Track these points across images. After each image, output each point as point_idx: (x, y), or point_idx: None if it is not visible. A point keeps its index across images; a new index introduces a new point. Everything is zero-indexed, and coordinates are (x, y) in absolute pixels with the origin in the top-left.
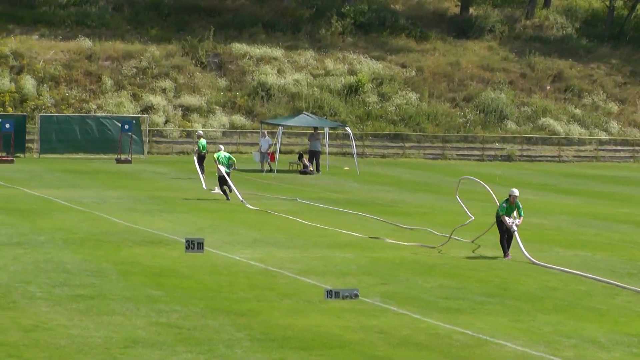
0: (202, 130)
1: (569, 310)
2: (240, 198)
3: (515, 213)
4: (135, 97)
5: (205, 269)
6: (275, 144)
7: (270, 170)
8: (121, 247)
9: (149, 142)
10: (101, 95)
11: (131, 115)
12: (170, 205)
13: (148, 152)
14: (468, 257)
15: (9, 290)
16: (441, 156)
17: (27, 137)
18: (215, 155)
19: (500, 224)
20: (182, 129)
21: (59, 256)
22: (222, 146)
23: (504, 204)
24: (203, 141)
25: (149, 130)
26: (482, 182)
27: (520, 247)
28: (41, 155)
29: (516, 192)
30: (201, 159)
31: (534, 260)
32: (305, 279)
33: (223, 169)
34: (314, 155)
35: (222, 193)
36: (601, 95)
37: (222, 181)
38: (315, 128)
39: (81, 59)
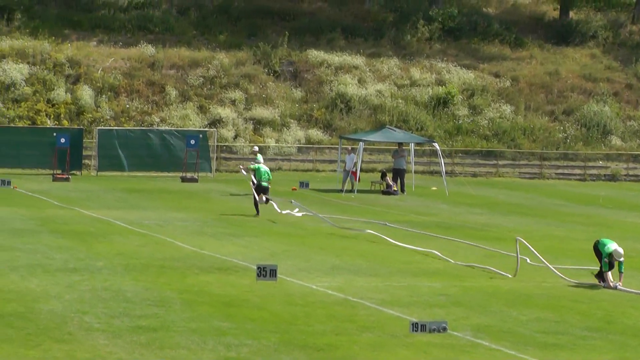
0: (268, 146)
1: None
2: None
3: (615, 266)
4: (202, 109)
5: (278, 298)
6: (356, 162)
7: (351, 191)
8: (186, 274)
9: (217, 158)
10: (165, 107)
11: (197, 129)
12: (240, 228)
13: (216, 170)
14: (569, 287)
15: (64, 320)
16: (538, 175)
17: (84, 152)
18: (254, 166)
19: (599, 254)
20: (253, 144)
21: (119, 284)
22: (257, 147)
23: (606, 259)
24: (261, 162)
25: (217, 146)
26: (532, 249)
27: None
28: (99, 173)
29: (621, 253)
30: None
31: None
32: (388, 310)
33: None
34: (398, 173)
35: (279, 210)
36: None
37: (261, 191)
38: (400, 144)
39: (143, 67)
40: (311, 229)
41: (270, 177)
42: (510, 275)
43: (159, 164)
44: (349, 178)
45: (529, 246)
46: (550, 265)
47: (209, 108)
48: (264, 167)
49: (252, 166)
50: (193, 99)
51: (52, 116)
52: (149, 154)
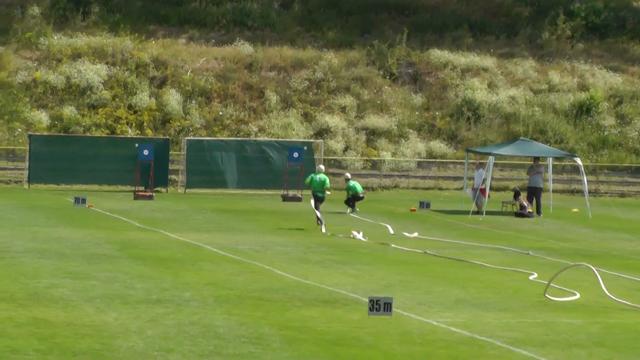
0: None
1: None
2: (324, 230)
3: None
4: (307, 117)
5: (393, 336)
6: (485, 179)
7: (479, 212)
8: (287, 308)
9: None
10: (264, 114)
11: (302, 140)
12: (350, 254)
13: None
14: None
15: (146, 359)
16: None
17: (171, 166)
18: (308, 179)
19: None
20: (366, 158)
21: (209, 318)
22: (322, 166)
23: None
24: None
25: (324, 160)
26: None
27: None
28: (187, 190)
29: None
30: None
31: None
32: (520, 350)
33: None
34: (534, 192)
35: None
36: None
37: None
38: (536, 158)
39: (239, 68)
40: (431, 257)
41: (327, 185)
42: None
43: (257, 180)
44: (476, 197)
45: None
46: None
47: (315, 116)
48: (318, 176)
49: (307, 180)
50: (297, 105)
51: (134, 124)
52: (245, 168)
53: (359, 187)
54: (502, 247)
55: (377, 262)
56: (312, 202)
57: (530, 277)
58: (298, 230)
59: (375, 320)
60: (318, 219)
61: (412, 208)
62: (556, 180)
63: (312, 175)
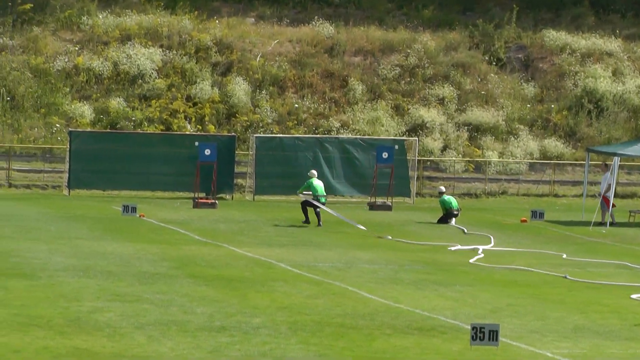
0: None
1: None
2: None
3: None
4: (398, 110)
5: None
6: (610, 183)
7: (602, 224)
8: (375, 336)
9: (418, 178)
10: (347, 107)
11: (392, 137)
12: (449, 274)
13: (417, 194)
14: None
15: None
16: None
17: (237, 169)
18: (305, 186)
19: None
20: (468, 159)
21: (282, 348)
22: (315, 172)
23: None
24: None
25: (419, 161)
26: None
27: None
28: (257, 197)
29: None
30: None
31: None
32: None
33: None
34: None
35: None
36: None
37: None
38: None
39: (318, 53)
40: (545, 277)
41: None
42: None
43: (339, 184)
44: (599, 206)
45: None
46: None
47: (408, 109)
48: (316, 182)
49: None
50: (386, 96)
51: (194, 119)
52: (325, 171)
53: (454, 202)
54: (629, 264)
55: (480, 282)
56: (313, 203)
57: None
58: (388, 244)
59: (479, 351)
60: (319, 220)
61: (523, 218)
62: None
63: (311, 181)
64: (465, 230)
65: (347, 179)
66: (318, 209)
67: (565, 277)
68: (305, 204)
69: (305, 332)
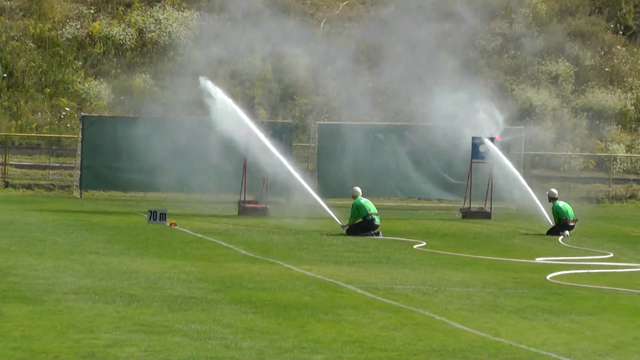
0: None
1: None
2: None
3: None
4: (499, 91)
5: None
6: None
7: None
8: None
9: (524, 177)
10: (434, 86)
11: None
12: (561, 298)
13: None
14: None
15: None
16: None
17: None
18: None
19: None
20: (588, 153)
21: None
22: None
23: None
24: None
25: (526, 156)
26: None
27: None
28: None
29: None
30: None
31: None
32: None
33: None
34: None
35: None
36: None
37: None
38: None
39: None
40: None
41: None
42: None
43: (418, 185)
44: None
45: None
46: None
47: (512, 90)
48: (364, 200)
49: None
50: (483, 71)
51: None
52: (404, 168)
53: (570, 211)
54: None
55: (603, 310)
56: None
57: None
58: (483, 262)
59: None
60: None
61: None
62: None
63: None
64: (566, 235)
65: (434, 178)
66: (373, 235)
67: None
68: (352, 232)
69: None
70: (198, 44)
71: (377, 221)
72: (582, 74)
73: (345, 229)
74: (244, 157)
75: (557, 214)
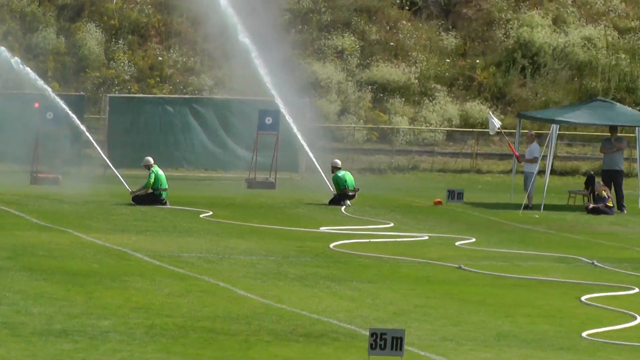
0: None
1: None
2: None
3: None
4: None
5: None
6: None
7: (529, 207)
8: (251, 344)
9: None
10: (224, 61)
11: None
12: (345, 267)
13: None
14: None
15: None
16: None
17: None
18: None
19: None
20: (371, 125)
21: (137, 357)
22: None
23: None
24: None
25: (313, 129)
26: None
27: None
28: (109, 172)
29: None
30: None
31: None
32: None
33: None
34: (613, 178)
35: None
36: None
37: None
38: (613, 128)
39: None
40: (464, 273)
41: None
42: None
43: (213, 157)
44: (530, 184)
45: None
46: None
47: (299, 63)
48: (343, 174)
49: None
50: (273, 47)
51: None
52: (199, 139)
53: (350, 180)
54: (566, 255)
55: (384, 278)
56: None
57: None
58: (272, 232)
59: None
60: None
61: (437, 200)
62: None
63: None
64: (347, 204)
65: (223, 149)
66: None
67: (460, 268)
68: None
69: (166, 338)
70: None
71: (164, 196)
72: (367, 48)
73: (135, 194)
74: (36, 128)
75: (337, 183)
